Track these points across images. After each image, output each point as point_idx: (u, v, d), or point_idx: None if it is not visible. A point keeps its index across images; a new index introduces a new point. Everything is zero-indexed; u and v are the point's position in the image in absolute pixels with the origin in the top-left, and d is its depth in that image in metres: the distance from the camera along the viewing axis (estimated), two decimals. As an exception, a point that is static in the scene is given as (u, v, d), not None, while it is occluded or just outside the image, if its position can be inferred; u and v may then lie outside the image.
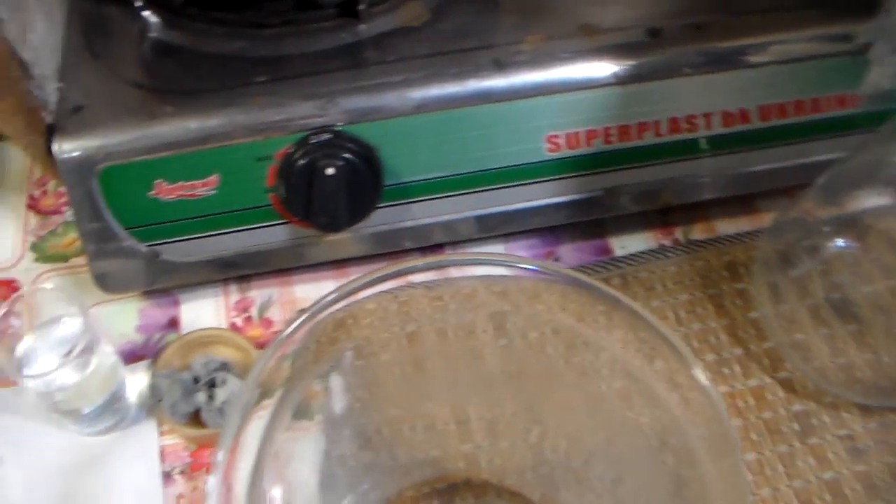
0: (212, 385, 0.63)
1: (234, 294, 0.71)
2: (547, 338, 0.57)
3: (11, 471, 0.64)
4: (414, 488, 0.60)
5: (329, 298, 0.50)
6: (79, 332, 0.61)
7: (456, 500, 0.60)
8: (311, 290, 0.71)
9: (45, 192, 0.79)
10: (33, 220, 0.78)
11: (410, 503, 0.60)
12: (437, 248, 0.70)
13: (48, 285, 0.62)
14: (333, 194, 0.61)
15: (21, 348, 0.62)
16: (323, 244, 0.67)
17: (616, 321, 0.53)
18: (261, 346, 0.67)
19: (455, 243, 0.70)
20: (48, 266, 0.74)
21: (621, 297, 0.50)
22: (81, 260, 0.73)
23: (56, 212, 0.78)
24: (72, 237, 0.76)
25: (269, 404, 0.50)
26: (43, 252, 0.75)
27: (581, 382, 0.58)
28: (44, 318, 0.63)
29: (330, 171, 0.60)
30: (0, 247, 0.76)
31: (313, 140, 0.61)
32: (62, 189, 0.78)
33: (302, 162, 0.61)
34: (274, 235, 0.66)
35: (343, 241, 0.67)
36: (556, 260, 0.71)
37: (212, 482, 0.42)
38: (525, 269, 0.52)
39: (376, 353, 0.57)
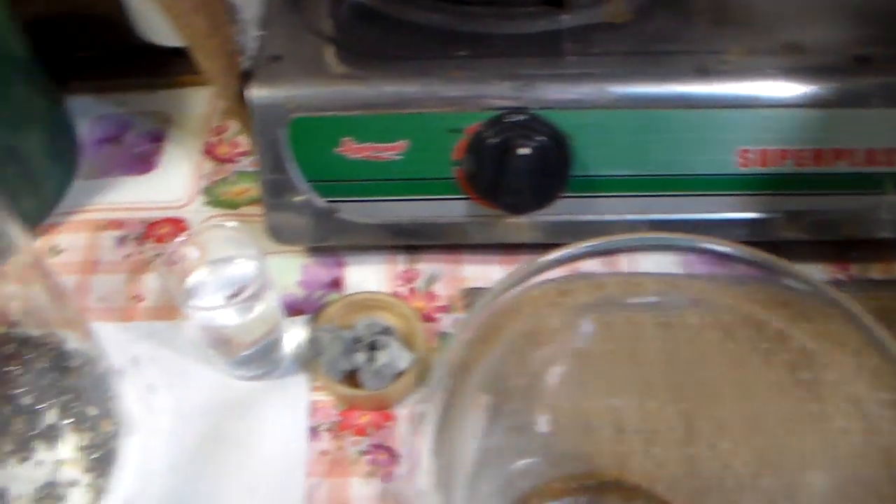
0: (373, 347, 0.63)
1: (401, 263, 0.71)
2: (714, 347, 0.56)
3: (163, 400, 0.66)
4: (562, 480, 0.59)
5: (509, 280, 0.49)
6: (250, 276, 0.61)
7: (603, 500, 0.59)
8: (479, 270, 0.70)
9: (221, 140, 0.80)
10: (208, 165, 0.79)
11: (558, 495, 0.59)
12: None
13: (230, 223, 0.62)
14: (523, 175, 0.61)
15: (192, 281, 0.63)
16: (499, 226, 0.66)
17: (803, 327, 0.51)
18: (425, 318, 0.67)
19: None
20: (217, 211, 0.76)
21: (842, 300, 0.48)
22: (250, 209, 0.75)
23: (230, 160, 0.79)
24: (244, 186, 0.77)
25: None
26: (214, 197, 0.77)
27: (746, 398, 0.57)
28: (216, 257, 0.64)
29: (524, 150, 0.60)
30: (173, 186, 0.78)
31: (508, 119, 0.61)
32: (238, 139, 0.80)
33: (494, 140, 0.61)
34: (452, 209, 0.66)
35: (519, 225, 0.66)
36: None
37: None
38: (716, 251, 0.50)
39: (540, 342, 0.57)
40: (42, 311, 0.62)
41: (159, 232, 0.74)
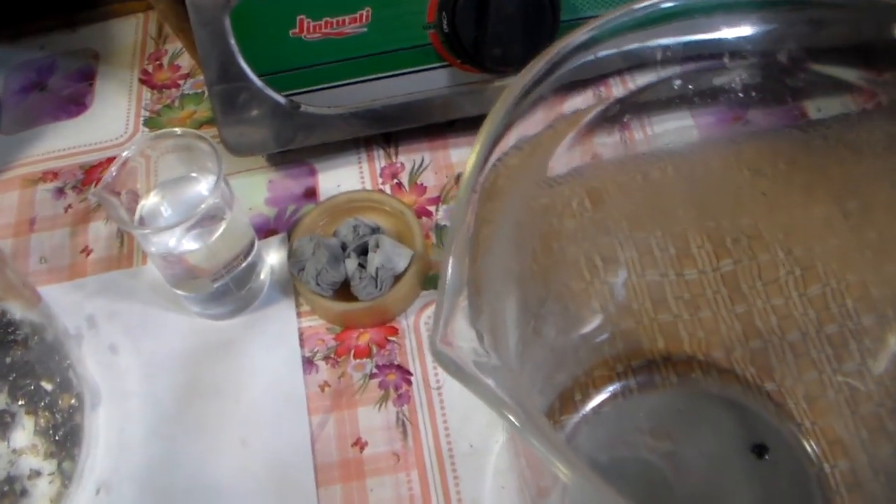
0: (363, 252, 0.55)
1: (380, 160, 0.63)
2: (746, 188, 0.50)
3: (127, 360, 0.58)
4: (605, 366, 0.51)
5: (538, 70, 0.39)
6: (208, 192, 0.53)
7: (656, 379, 0.51)
8: (467, 153, 0.61)
9: (159, 66, 0.72)
10: (147, 95, 0.71)
11: (603, 382, 0.51)
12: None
13: (177, 129, 0.53)
14: (508, 21, 0.53)
15: (143, 207, 0.54)
16: (486, 92, 0.58)
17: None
18: (417, 213, 0.58)
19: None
20: (164, 141, 0.67)
21: None
22: (201, 132, 0.66)
23: (172, 85, 0.71)
24: (189, 110, 0.69)
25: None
26: (159, 126, 0.68)
27: (792, 241, 0.50)
28: (166, 178, 0.55)
29: (508, -11, 0.51)
30: (110, 123, 0.70)
31: (482, -37, 0.53)
32: (178, 62, 0.71)
33: (470, -12, 0.53)
34: (431, 81, 0.58)
35: (510, 88, 0.58)
36: (746, 123, 0.61)
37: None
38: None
39: (556, 212, 0.49)
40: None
41: (101, 175, 0.66)
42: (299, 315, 0.57)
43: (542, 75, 0.37)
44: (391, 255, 0.54)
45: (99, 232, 0.63)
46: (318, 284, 0.54)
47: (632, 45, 0.40)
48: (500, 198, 0.39)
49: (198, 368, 0.56)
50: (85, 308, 0.60)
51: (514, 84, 0.37)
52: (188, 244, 0.53)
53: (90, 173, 0.66)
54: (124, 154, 0.52)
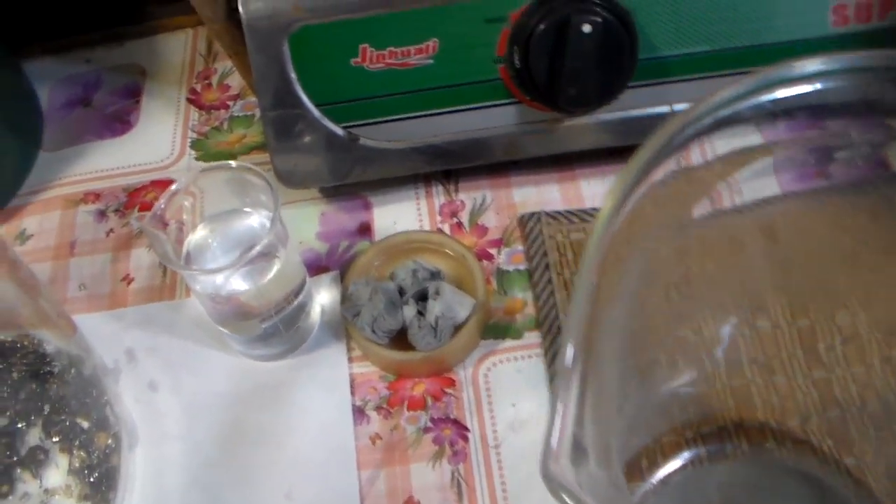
0: (422, 298, 0.52)
1: (439, 196, 0.60)
2: (826, 243, 0.47)
3: (167, 398, 0.55)
4: (674, 433, 0.49)
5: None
6: (261, 227, 0.50)
7: (727, 448, 0.48)
8: (532, 193, 0.59)
9: (208, 86, 0.69)
10: (195, 115, 0.68)
11: (672, 450, 0.48)
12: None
13: (232, 163, 0.51)
14: (585, 59, 0.50)
15: (190, 242, 0.52)
16: (557, 132, 0.56)
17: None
18: (478, 256, 0.55)
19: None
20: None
21: None
22: (251, 158, 0.65)
23: (221, 106, 0.68)
24: (239, 133, 0.66)
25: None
26: (206, 150, 0.66)
27: (874, 301, 0.47)
28: (217, 210, 0.52)
29: (586, 28, 0.49)
30: (156, 144, 0.67)
31: (557, -2, 0.50)
32: (228, 81, 0.69)
33: (545, 25, 0.50)
34: (498, 119, 0.55)
35: (581, 128, 0.56)
36: (828, 178, 0.58)
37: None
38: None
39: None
40: (11, 310, 0.52)
41: (145, 198, 0.64)
42: (350, 360, 0.54)
43: (692, 121, 0.34)
44: (452, 304, 0.51)
45: (141, 260, 0.61)
46: (373, 332, 0.51)
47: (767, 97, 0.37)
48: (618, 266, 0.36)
49: (242, 411, 0.54)
50: (124, 340, 0.58)
51: (666, 128, 0.34)
52: (237, 284, 0.50)
53: (133, 196, 0.64)
54: (174, 187, 0.50)
